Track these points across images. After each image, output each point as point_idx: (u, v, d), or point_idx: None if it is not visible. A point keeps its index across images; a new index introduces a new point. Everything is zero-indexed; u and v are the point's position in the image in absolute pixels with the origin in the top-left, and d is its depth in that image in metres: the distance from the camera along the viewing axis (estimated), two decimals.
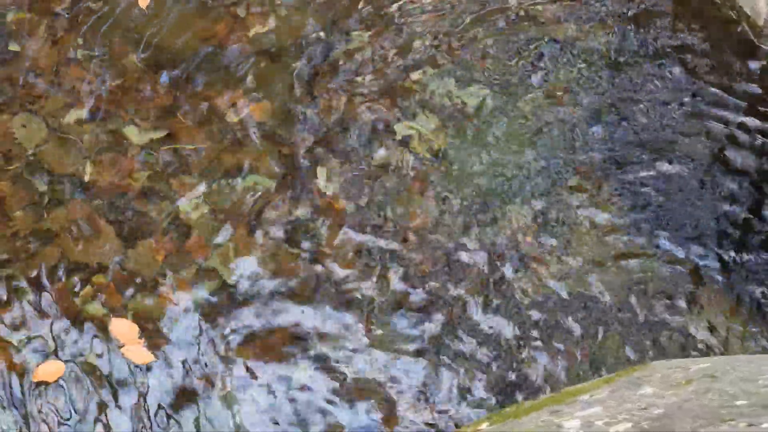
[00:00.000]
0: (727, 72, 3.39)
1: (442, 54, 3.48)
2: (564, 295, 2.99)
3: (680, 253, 3.04)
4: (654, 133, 3.27)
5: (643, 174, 3.19)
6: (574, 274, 3.03)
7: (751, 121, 3.26)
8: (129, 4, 3.64)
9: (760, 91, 3.34)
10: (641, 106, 3.33)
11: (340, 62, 3.47)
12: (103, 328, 2.99)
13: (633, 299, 2.98)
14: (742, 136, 3.24)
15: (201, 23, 3.61)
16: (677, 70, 3.40)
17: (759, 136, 3.23)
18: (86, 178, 3.23)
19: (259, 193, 3.19)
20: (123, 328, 3.01)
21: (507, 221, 3.10)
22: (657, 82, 3.38)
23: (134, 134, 3.32)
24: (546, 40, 3.50)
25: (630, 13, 3.53)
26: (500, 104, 3.34)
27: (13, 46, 3.53)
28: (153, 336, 2.98)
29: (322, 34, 3.55)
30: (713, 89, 3.34)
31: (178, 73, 3.46)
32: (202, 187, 3.20)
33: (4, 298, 3.02)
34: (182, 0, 3.69)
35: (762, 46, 3.42)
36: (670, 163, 3.19)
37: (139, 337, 2.99)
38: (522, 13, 3.57)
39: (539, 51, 3.48)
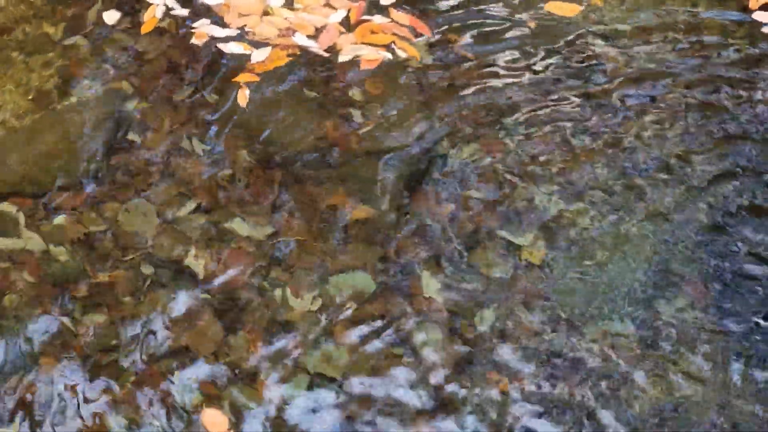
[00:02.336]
0: None
1: (552, 171, 3.50)
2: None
3: None
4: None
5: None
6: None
7: None
8: (256, 100, 3.76)
9: None
10: (743, 235, 3.30)
11: (448, 169, 3.51)
12: (195, 417, 3.01)
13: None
14: None
15: (313, 122, 3.69)
16: None
17: None
18: (192, 267, 3.28)
19: (360, 294, 3.20)
20: (213, 418, 3.02)
21: (609, 337, 3.07)
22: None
23: (242, 227, 3.38)
24: (651, 163, 3.52)
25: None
26: (607, 222, 3.34)
27: (132, 136, 3.64)
28: (243, 429, 2.99)
29: (432, 140, 3.61)
30: None
31: (288, 170, 3.53)
32: (304, 284, 3.23)
33: (107, 384, 3.06)
34: (295, 97, 3.79)
35: None
36: None
37: (228, 429, 2.99)
38: (631, 140, 3.60)
39: (646, 174, 3.49)
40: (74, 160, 3.57)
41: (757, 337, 3.03)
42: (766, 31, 3.95)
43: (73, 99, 3.76)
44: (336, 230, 3.36)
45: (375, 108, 3.74)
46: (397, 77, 3.87)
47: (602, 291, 3.17)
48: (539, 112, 3.70)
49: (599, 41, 3.97)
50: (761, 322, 3.06)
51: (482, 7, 4.17)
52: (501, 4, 4.17)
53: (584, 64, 3.88)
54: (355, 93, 3.80)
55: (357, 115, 3.72)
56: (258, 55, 3.95)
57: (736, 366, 2.96)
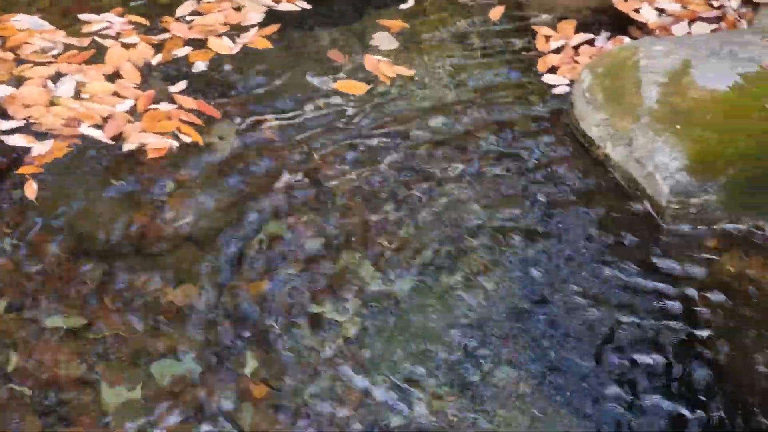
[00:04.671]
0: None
1: (366, 241, 3.63)
2: None
3: None
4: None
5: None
6: None
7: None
8: (53, 192, 3.68)
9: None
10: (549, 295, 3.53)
11: (259, 248, 3.57)
12: None
13: None
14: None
15: (123, 210, 3.66)
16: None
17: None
18: (9, 368, 3.15)
19: (183, 378, 3.17)
20: None
21: (428, 407, 3.16)
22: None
23: (55, 322, 3.28)
24: (468, 228, 3.72)
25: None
26: (421, 291, 3.48)
27: None
28: None
29: (246, 221, 3.66)
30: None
31: (100, 260, 3.47)
32: (127, 374, 3.17)
33: None
34: (97, 186, 3.74)
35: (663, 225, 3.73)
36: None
37: None
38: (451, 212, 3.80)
39: (463, 236, 3.68)
40: None
41: None
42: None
43: None
44: (154, 316, 3.33)
45: (185, 194, 3.75)
46: (204, 162, 3.90)
47: (420, 360, 3.29)
48: (347, 184, 3.85)
49: (388, 118, 4.19)
50: None
51: (275, 91, 4.30)
52: (292, 86, 4.32)
53: (383, 135, 4.08)
54: (165, 181, 3.80)
55: (168, 202, 3.71)
56: (40, 147, 3.88)
57: None
